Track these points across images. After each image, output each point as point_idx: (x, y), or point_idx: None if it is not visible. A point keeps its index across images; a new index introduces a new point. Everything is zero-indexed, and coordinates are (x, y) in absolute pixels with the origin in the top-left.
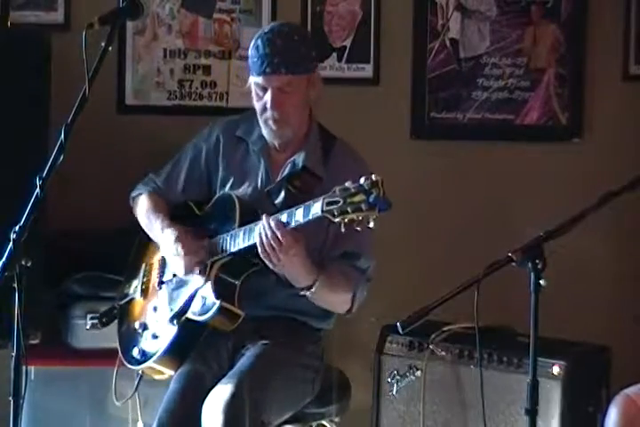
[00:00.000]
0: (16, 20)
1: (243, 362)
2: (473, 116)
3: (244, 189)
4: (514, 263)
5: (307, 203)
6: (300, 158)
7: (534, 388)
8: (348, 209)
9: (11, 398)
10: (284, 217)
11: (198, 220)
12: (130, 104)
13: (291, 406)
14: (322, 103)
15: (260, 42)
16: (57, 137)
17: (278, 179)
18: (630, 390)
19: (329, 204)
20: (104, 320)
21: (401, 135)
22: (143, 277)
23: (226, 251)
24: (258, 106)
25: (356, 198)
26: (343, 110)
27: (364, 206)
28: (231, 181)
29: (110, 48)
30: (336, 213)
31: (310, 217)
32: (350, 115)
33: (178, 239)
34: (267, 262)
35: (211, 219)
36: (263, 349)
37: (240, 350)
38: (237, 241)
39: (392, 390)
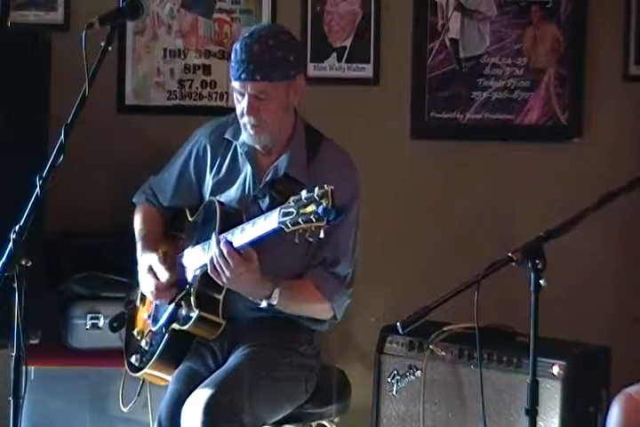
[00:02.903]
0: (16, 19)
1: (227, 364)
2: (473, 116)
3: (233, 193)
4: (514, 263)
5: (266, 214)
6: (282, 163)
7: (534, 388)
8: (300, 220)
9: (11, 398)
10: (229, 236)
11: (189, 226)
12: (130, 104)
13: (282, 405)
14: (322, 103)
15: (238, 47)
16: (57, 137)
17: (262, 184)
18: (632, 389)
19: (285, 215)
20: (114, 325)
21: (401, 135)
22: None
23: (189, 268)
24: (237, 110)
25: (308, 209)
26: (343, 110)
27: (313, 217)
28: (220, 184)
29: (110, 48)
30: (289, 225)
31: (269, 228)
32: (350, 115)
33: (150, 270)
34: (216, 280)
35: (198, 226)
36: (249, 350)
37: (234, 350)
38: (197, 255)
39: (392, 390)
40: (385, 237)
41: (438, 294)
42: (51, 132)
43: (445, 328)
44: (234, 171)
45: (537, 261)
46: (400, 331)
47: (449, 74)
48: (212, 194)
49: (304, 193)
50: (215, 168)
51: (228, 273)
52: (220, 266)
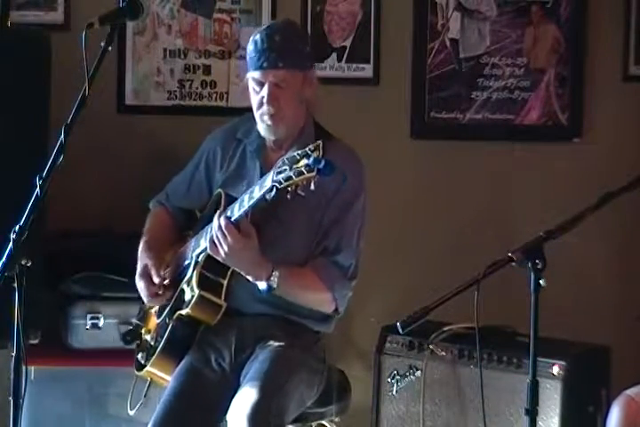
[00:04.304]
0: (16, 20)
1: (259, 366)
2: (473, 116)
3: (242, 190)
4: (514, 263)
5: (261, 180)
6: None
7: (534, 388)
8: (292, 175)
9: (11, 398)
10: (245, 198)
11: (198, 223)
12: (130, 104)
13: (298, 409)
14: (322, 103)
15: (258, 38)
16: (57, 137)
17: None
18: (632, 391)
19: (278, 173)
20: (128, 339)
21: (401, 135)
22: None
23: (193, 254)
24: (255, 102)
25: (300, 164)
26: (343, 110)
27: (304, 170)
28: (229, 181)
29: (110, 48)
30: (282, 181)
31: (264, 190)
32: (350, 115)
33: (142, 275)
34: (215, 256)
35: (206, 218)
36: (275, 352)
37: (241, 352)
38: (201, 241)
39: (392, 390)
40: (385, 237)
41: (438, 294)
42: (51, 132)
43: (445, 328)
44: (242, 168)
45: (537, 261)
46: (400, 331)
47: (449, 74)
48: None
49: (297, 151)
50: (225, 166)
51: (225, 247)
52: (219, 240)
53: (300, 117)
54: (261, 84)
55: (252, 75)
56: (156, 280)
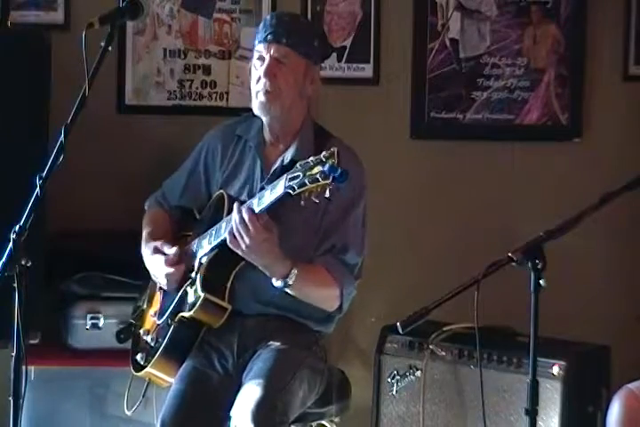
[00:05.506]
0: (16, 20)
1: (263, 365)
2: (473, 116)
3: (241, 186)
4: (514, 263)
5: (272, 185)
6: (289, 154)
7: (534, 388)
8: (306, 181)
9: (11, 398)
10: (254, 202)
11: (197, 223)
12: (130, 104)
13: (300, 408)
14: (322, 103)
15: (268, 16)
16: (57, 137)
17: (270, 175)
18: (633, 385)
19: (291, 179)
20: (121, 337)
21: (401, 135)
22: (150, 287)
23: (196, 256)
24: (254, 78)
25: (314, 170)
26: (343, 110)
27: (319, 177)
28: (229, 179)
29: (110, 48)
30: (296, 187)
31: (276, 195)
32: (350, 115)
33: (156, 251)
34: (235, 250)
35: (206, 219)
36: (279, 350)
37: (244, 353)
38: (204, 243)
39: (392, 390)
40: (384, 238)
41: (439, 294)
42: (51, 132)
43: (445, 328)
44: (242, 165)
45: (537, 261)
46: (400, 331)
47: (449, 74)
48: (220, 188)
49: (311, 158)
50: (225, 164)
51: (247, 240)
52: (240, 233)
53: (298, 113)
54: (262, 60)
55: (256, 48)
56: (172, 251)
